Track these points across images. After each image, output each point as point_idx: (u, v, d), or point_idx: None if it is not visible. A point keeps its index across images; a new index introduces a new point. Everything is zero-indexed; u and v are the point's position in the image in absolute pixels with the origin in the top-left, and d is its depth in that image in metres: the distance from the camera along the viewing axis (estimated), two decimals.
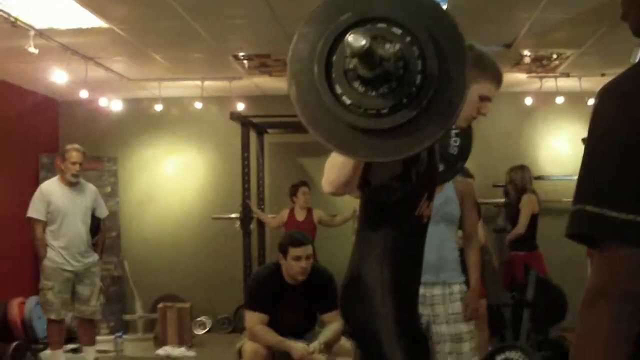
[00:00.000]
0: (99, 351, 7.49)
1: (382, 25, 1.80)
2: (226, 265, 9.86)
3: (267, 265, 5.85)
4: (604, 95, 1.55)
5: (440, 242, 4.33)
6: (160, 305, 9.14)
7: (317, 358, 5.30)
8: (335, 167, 2.24)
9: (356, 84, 1.84)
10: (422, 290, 4.42)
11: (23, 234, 8.90)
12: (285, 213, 8.90)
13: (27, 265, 9.24)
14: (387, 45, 1.78)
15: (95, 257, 7.30)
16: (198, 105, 9.53)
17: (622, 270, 1.39)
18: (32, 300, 8.47)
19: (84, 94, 8.28)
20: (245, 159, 9.40)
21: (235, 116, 9.26)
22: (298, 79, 1.94)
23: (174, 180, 10.36)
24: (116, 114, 9.75)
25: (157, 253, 10.15)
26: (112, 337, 8.76)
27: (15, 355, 5.32)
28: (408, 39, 1.80)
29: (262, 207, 9.88)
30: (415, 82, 1.80)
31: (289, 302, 5.43)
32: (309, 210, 8.83)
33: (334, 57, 1.88)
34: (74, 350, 8.29)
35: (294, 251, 5.28)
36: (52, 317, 6.98)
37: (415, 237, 2.61)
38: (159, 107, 9.41)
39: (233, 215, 9.52)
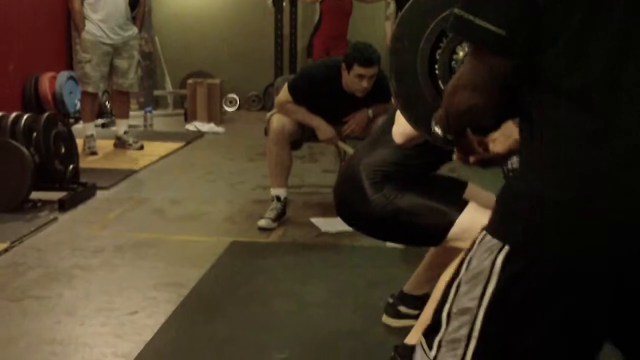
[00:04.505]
0: (129, 126, 7.53)
1: None
2: (257, 43, 9.74)
3: (333, 65, 5.30)
4: None
5: None
6: (190, 81, 9.13)
7: (343, 146, 5.22)
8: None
9: None
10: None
11: (55, 9, 8.80)
12: None
13: (59, 41, 9.16)
14: None
15: (134, 30, 7.19)
16: None
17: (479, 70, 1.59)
18: (63, 75, 8.45)
19: None
20: None
21: None
22: (400, 74, 1.92)
23: None
24: None
25: (187, 29, 9.98)
26: (141, 112, 8.79)
27: (47, 125, 5.33)
28: None
29: None
30: None
31: (336, 105, 5.13)
32: None
33: (437, 53, 1.86)
34: (104, 125, 8.39)
35: (358, 70, 4.85)
36: (89, 89, 6.98)
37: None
38: None
39: None
